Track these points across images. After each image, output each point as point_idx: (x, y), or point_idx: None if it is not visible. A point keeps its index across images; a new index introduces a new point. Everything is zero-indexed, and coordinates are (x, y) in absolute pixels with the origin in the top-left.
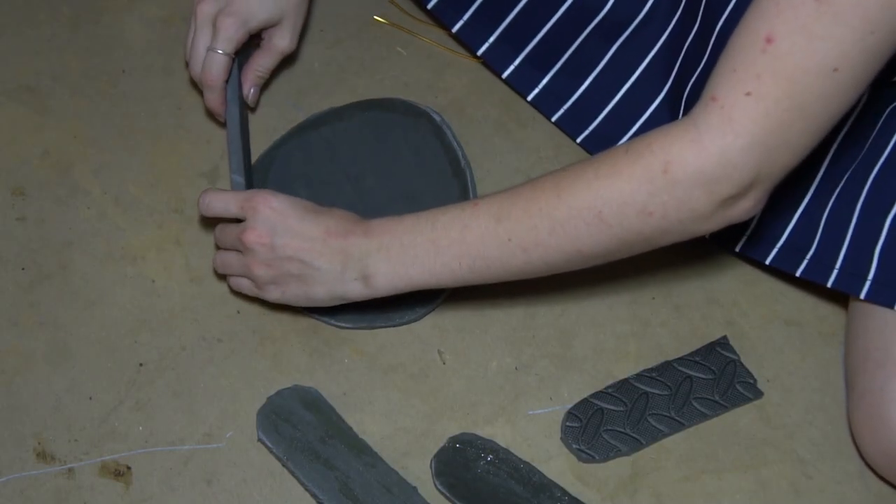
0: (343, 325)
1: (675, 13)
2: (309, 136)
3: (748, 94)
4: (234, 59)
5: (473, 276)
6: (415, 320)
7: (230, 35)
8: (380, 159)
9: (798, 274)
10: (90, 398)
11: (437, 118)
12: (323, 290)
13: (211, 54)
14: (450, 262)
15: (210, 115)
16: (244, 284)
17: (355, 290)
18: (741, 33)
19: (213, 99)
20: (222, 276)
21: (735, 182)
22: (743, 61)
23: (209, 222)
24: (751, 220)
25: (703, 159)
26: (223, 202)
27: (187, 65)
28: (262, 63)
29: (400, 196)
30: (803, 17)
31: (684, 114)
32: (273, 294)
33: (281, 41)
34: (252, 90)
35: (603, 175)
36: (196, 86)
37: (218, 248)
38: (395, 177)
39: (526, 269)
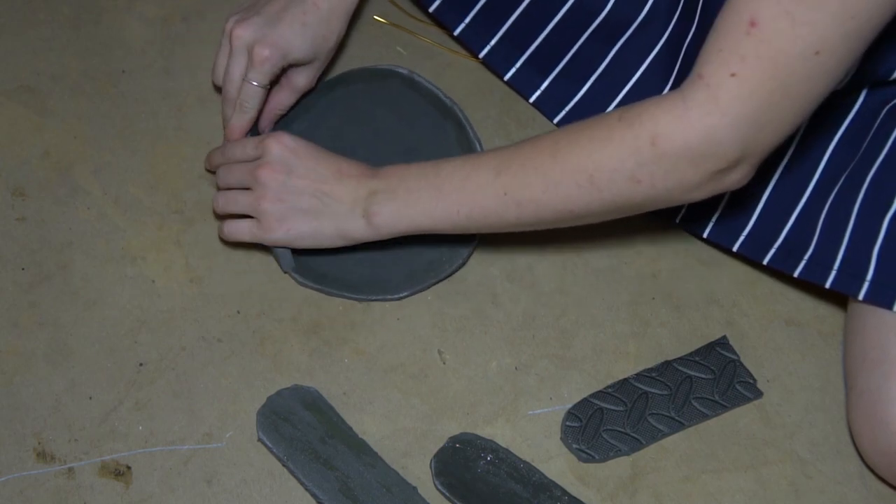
0: (343, 294)
1: (674, 14)
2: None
3: (733, 74)
4: (267, 91)
5: (470, 224)
6: (406, 296)
7: (268, 70)
8: (365, 129)
9: (796, 274)
10: (90, 398)
11: (405, 72)
12: (330, 227)
13: (247, 86)
14: (449, 208)
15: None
16: (243, 228)
17: (359, 229)
18: (727, 14)
19: (241, 127)
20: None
21: (721, 158)
22: (728, 42)
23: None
24: (749, 219)
25: (690, 135)
26: (240, 146)
27: (215, 86)
28: (282, 101)
29: (401, 152)
30: (786, 2)
31: None
32: (277, 232)
33: (304, 80)
34: (268, 129)
35: (596, 139)
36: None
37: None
38: (387, 140)
39: (519, 222)
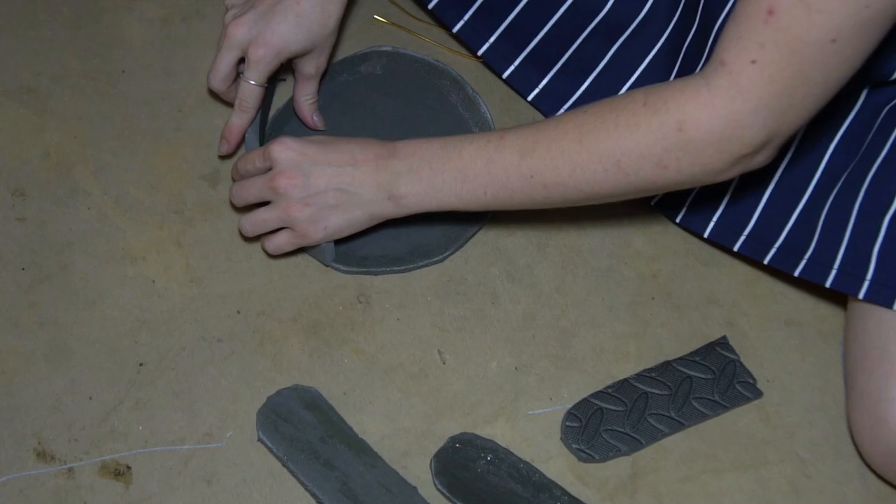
0: (390, 269)
1: (675, 13)
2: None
3: (753, 61)
4: (265, 88)
5: (498, 203)
6: (449, 255)
7: (263, 68)
8: (365, 115)
9: (796, 274)
10: (90, 398)
11: (389, 48)
12: (362, 212)
13: (244, 84)
14: (476, 189)
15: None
16: (282, 240)
17: (389, 210)
18: (746, 3)
19: (240, 126)
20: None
21: (746, 142)
22: (747, 30)
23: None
24: (750, 219)
25: (715, 121)
26: (249, 161)
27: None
28: (306, 91)
29: (411, 122)
30: None
31: None
32: (316, 233)
33: (311, 68)
34: (315, 117)
35: (622, 125)
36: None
37: (236, 208)
38: (392, 120)
39: (546, 202)
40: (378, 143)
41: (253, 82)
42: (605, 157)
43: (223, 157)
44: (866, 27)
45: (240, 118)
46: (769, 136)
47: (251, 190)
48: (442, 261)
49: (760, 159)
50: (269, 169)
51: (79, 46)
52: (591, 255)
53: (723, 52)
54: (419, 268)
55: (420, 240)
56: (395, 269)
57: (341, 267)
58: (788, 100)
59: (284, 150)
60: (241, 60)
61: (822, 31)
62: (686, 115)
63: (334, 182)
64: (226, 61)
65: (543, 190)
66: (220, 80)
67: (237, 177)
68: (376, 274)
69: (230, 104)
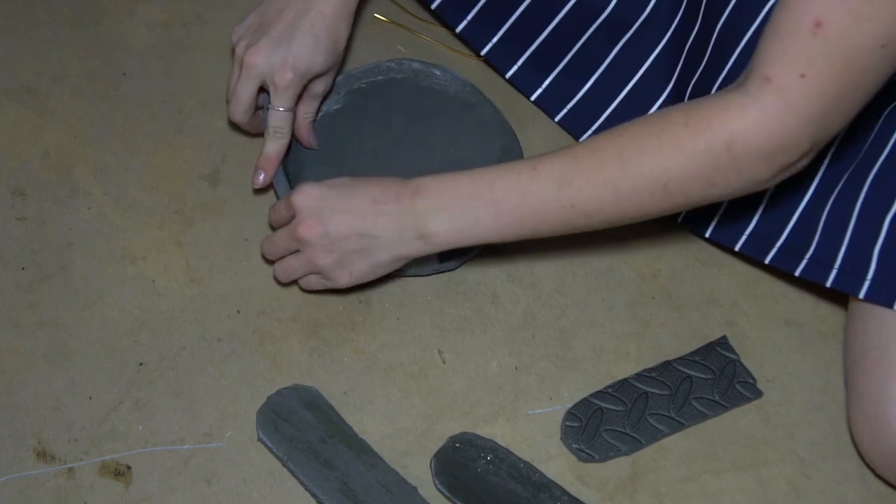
0: (439, 269)
1: (677, 13)
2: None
3: (803, 76)
4: (294, 112)
5: (536, 233)
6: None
7: (292, 93)
8: (378, 129)
9: (797, 273)
10: (90, 398)
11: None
12: (386, 255)
13: (274, 112)
14: (512, 222)
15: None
16: (313, 281)
17: (417, 248)
18: (787, 16)
19: (277, 153)
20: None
21: (794, 152)
22: (794, 44)
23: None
24: (751, 219)
25: (765, 137)
26: (276, 212)
27: (228, 104)
28: (308, 111)
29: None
30: (849, 0)
31: None
32: (343, 278)
33: (322, 87)
34: (310, 136)
35: (665, 148)
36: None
37: (269, 260)
38: (408, 132)
39: (586, 227)
40: (399, 183)
41: (282, 108)
42: (651, 182)
43: (257, 192)
44: None
45: (275, 145)
46: (816, 143)
47: (279, 243)
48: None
49: (804, 163)
50: (293, 218)
51: (79, 47)
52: (591, 255)
53: (766, 67)
54: (466, 263)
55: None
56: (444, 268)
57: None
58: (837, 109)
59: (305, 198)
60: (261, 89)
61: (872, 39)
62: (734, 136)
63: (355, 228)
64: (248, 91)
65: (585, 219)
66: (243, 111)
67: (271, 228)
68: (426, 275)
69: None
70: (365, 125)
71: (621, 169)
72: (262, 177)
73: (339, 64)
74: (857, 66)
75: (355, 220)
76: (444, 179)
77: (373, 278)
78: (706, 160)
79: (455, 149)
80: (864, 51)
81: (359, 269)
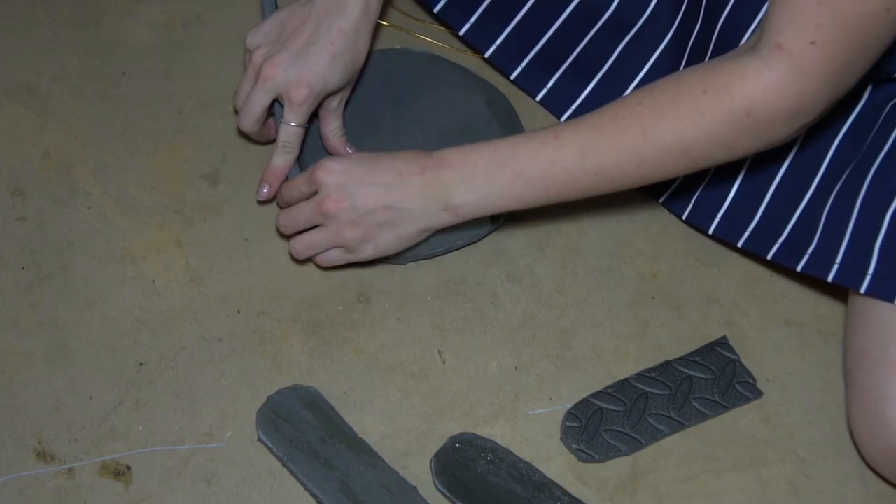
0: (449, 248)
1: (679, 11)
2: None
3: (812, 42)
4: (307, 128)
5: (561, 199)
6: (498, 227)
7: (306, 109)
8: (394, 110)
9: (799, 269)
10: (90, 398)
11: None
12: (413, 228)
13: (286, 127)
14: (537, 191)
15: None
16: (334, 256)
17: (443, 220)
18: None
19: (284, 167)
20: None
21: (810, 113)
22: (802, 12)
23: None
24: (754, 215)
25: (783, 102)
26: (294, 187)
27: (236, 112)
28: (333, 126)
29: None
30: None
31: None
32: (367, 251)
33: (337, 102)
34: (347, 148)
35: (686, 115)
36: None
37: (285, 235)
38: (422, 116)
39: (610, 190)
40: (423, 155)
41: (294, 124)
42: (674, 148)
43: (262, 203)
44: None
45: (283, 159)
46: (832, 101)
47: (300, 217)
48: (494, 230)
49: (816, 120)
50: (315, 193)
51: (79, 47)
52: (591, 255)
53: (777, 34)
54: (475, 242)
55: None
56: (452, 246)
57: (399, 259)
58: (848, 70)
59: (329, 173)
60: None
61: (876, 3)
62: (754, 101)
63: (382, 200)
64: (261, 103)
65: (609, 184)
66: (253, 122)
67: (283, 204)
68: (436, 256)
69: (235, 111)
70: (354, 125)
71: (643, 137)
72: (266, 189)
73: (356, 79)
74: (863, 30)
75: (382, 192)
76: (465, 151)
77: (397, 251)
78: (726, 125)
79: (445, 117)
80: (870, 15)
81: (384, 242)
